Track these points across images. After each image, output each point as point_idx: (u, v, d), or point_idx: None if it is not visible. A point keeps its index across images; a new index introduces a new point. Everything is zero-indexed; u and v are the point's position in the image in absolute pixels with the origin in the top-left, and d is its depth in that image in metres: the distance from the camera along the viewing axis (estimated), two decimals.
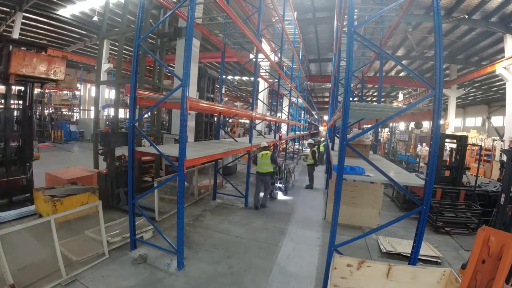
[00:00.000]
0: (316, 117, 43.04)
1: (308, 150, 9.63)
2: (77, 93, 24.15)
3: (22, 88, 5.52)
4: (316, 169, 9.57)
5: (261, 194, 6.97)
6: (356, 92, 12.66)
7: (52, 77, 5.10)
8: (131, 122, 4.12)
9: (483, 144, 16.17)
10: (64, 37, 17.26)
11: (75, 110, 25.71)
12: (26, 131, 5.65)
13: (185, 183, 4.71)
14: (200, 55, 9.54)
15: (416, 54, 16.69)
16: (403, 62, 18.02)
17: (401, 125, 29.43)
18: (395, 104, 27.48)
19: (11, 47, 4.75)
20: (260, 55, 7.39)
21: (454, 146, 8.53)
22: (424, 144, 17.95)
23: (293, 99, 16.33)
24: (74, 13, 13.62)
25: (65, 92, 22.86)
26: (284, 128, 17.08)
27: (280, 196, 8.13)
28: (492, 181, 10.99)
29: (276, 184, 8.11)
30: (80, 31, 16.16)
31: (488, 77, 18.49)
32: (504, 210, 4.40)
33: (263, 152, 6.97)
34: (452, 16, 11.60)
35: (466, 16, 11.40)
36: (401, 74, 22.47)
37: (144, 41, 5.06)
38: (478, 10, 11.15)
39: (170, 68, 5.41)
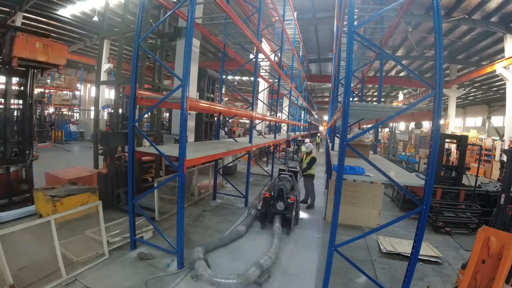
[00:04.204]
0: (316, 117, 43.07)
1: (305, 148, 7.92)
2: (77, 93, 24.18)
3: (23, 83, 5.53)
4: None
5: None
6: (356, 92, 12.62)
7: (53, 61, 5.12)
8: (131, 122, 4.12)
9: (483, 144, 16.16)
10: (64, 37, 17.24)
11: (75, 110, 25.71)
12: (26, 125, 5.72)
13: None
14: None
15: (416, 54, 16.70)
16: (403, 62, 18.01)
17: (401, 125, 29.47)
18: (395, 104, 27.47)
19: (14, 32, 4.78)
20: (260, 55, 7.39)
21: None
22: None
23: (293, 99, 16.32)
24: (74, 13, 13.64)
25: (65, 92, 22.85)
26: (284, 128, 17.07)
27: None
28: (492, 181, 10.99)
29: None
30: (80, 31, 16.17)
31: (488, 77, 18.49)
32: (504, 210, 4.39)
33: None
34: (452, 16, 11.60)
35: (466, 16, 11.41)
36: (401, 74, 22.46)
37: (144, 41, 5.06)
38: (478, 10, 11.15)
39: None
